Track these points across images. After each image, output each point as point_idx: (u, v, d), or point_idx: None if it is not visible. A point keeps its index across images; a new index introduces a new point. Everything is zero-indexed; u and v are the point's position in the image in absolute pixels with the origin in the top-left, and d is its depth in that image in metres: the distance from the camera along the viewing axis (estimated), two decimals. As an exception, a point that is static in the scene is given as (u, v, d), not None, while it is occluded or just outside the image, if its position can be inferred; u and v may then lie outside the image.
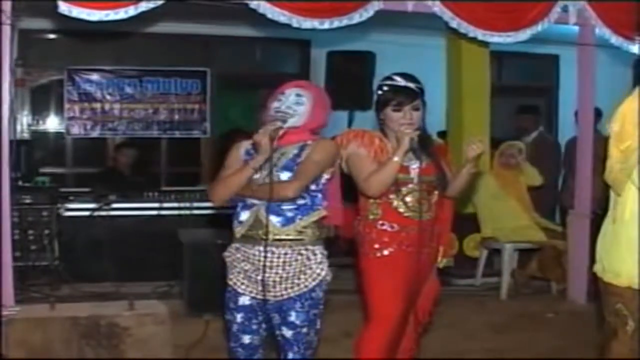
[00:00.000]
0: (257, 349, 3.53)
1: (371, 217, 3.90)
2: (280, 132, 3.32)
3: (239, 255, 3.46)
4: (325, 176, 3.49)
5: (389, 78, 3.92)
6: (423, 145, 3.84)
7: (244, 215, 3.42)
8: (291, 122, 3.39)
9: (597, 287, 3.54)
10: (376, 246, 3.86)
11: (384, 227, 3.87)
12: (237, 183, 3.38)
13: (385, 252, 3.85)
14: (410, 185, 3.84)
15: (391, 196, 3.84)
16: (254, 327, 3.48)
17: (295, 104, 3.44)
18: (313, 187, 3.42)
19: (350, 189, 3.90)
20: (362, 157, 3.84)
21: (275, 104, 3.45)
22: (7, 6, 4.94)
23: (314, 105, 3.49)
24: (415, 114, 3.81)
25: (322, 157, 3.43)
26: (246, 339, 3.48)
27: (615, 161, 3.31)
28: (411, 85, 3.85)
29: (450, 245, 4.51)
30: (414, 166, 3.82)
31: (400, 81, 3.87)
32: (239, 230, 3.44)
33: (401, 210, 3.86)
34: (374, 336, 3.85)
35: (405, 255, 3.84)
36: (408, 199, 3.85)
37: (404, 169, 3.80)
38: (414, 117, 3.81)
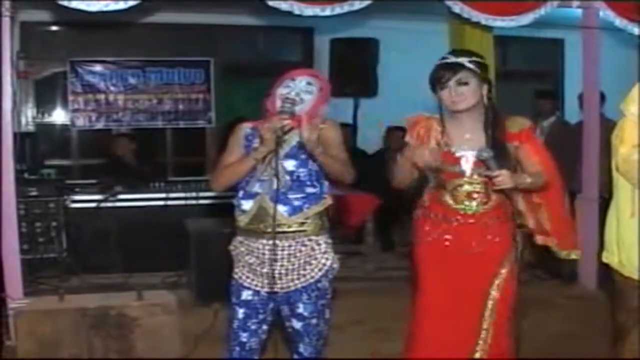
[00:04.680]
0: (254, 353, 3.48)
1: (422, 206, 3.77)
2: (287, 128, 3.25)
3: (242, 249, 3.43)
4: None
5: (442, 57, 3.65)
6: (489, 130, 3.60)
7: (247, 204, 3.38)
8: (297, 109, 3.29)
9: (611, 276, 3.49)
10: (421, 233, 3.73)
11: (430, 216, 3.71)
12: (237, 173, 3.37)
13: (429, 239, 3.70)
14: (463, 178, 3.61)
15: (442, 188, 3.65)
16: (253, 326, 3.43)
17: (304, 92, 3.35)
18: (323, 174, 3.39)
19: (371, 178, 3.81)
20: (406, 148, 3.69)
21: (284, 91, 3.36)
22: (6, -3, 4.93)
23: (320, 97, 3.40)
24: (462, 88, 3.52)
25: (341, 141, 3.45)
26: (243, 337, 3.43)
27: (631, 149, 3.18)
28: (454, 59, 3.56)
29: (563, 233, 3.87)
30: (467, 156, 3.57)
31: (448, 57, 3.59)
32: (242, 220, 3.40)
33: (449, 202, 3.66)
34: (416, 327, 3.77)
35: (445, 247, 3.67)
36: (457, 191, 3.63)
37: (453, 159, 3.60)
38: (461, 92, 3.53)
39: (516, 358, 3.88)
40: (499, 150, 3.51)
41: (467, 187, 3.62)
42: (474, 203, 3.62)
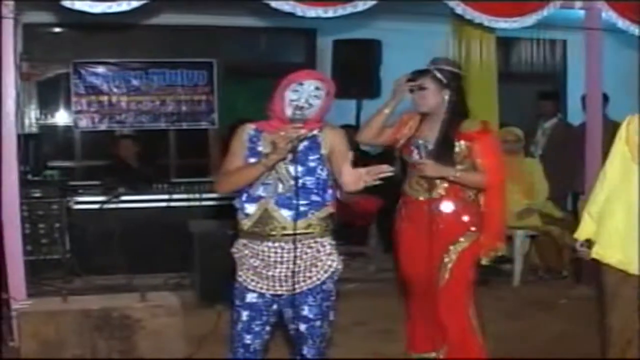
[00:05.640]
0: (258, 354, 3.48)
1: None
2: (302, 137, 3.26)
3: (246, 252, 3.41)
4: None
5: None
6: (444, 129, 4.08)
7: (251, 208, 3.36)
8: (306, 113, 3.29)
9: (602, 275, 3.46)
10: (396, 220, 4.29)
11: (401, 205, 4.27)
12: (245, 180, 3.34)
13: (399, 221, 4.27)
14: (416, 167, 4.07)
15: (407, 177, 4.19)
16: (257, 328, 3.43)
17: (313, 97, 3.32)
18: (329, 182, 3.37)
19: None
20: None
21: (293, 96, 3.32)
22: (9, -1, 4.94)
23: (327, 100, 3.39)
24: (422, 92, 4.07)
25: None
26: (247, 339, 3.43)
27: None
28: (429, 66, 4.09)
29: (491, 238, 4.23)
30: (419, 147, 4.03)
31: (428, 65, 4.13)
32: (245, 223, 3.38)
33: (407, 189, 4.20)
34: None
35: (410, 228, 4.18)
36: (412, 179, 4.16)
37: (411, 150, 4.10)
38: (421, 95, 4.08)
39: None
40: (442, 145, 4.04)
41: (417, 176, 4.11)
42: (419, 190, 4.10)
